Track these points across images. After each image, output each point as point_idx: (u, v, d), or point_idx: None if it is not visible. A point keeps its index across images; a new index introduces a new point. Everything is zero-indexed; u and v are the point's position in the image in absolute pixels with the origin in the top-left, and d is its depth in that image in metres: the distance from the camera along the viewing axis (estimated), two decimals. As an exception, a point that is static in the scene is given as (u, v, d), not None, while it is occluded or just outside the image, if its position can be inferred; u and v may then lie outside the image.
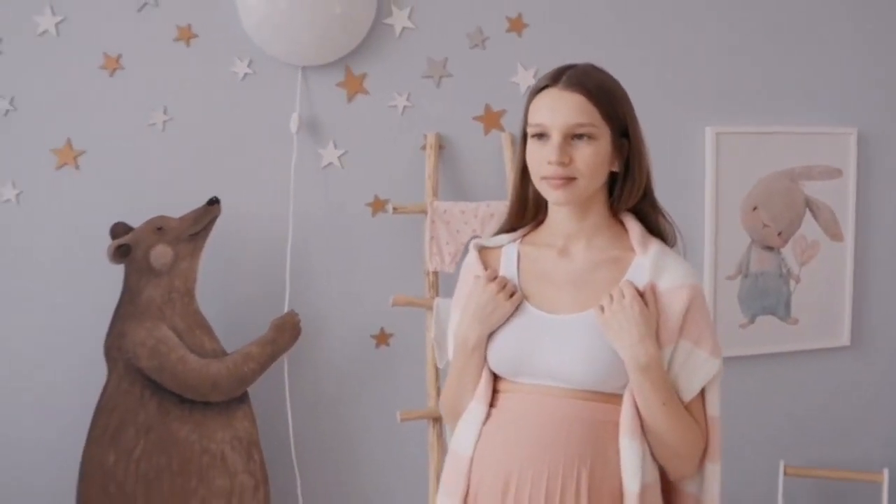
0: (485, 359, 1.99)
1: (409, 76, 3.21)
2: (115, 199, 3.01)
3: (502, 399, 1.98)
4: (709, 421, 1.96)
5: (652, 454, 1.91)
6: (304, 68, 3.11)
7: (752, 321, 3.54)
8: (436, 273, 3.14)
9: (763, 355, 3.57)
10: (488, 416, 1.97)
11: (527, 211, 2.06)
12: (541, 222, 2.07)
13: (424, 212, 3.13)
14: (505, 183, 3.15)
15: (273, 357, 2.97)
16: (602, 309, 1.88)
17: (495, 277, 2.00)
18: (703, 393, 1.94)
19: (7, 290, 3.00)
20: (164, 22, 3.03)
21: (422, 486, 3.24)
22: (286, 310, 3.11)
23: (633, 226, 1.98)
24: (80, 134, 3.01)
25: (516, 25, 3.26)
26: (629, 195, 1.97)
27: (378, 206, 3.21)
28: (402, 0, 3.18)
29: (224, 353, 2.95)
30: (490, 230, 2.11)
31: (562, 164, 1.87)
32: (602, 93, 1.90)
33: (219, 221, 2.95)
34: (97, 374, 2.88)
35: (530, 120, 1.94)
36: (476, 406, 1.98)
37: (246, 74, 3.09)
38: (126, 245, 2.83)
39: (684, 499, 2.00)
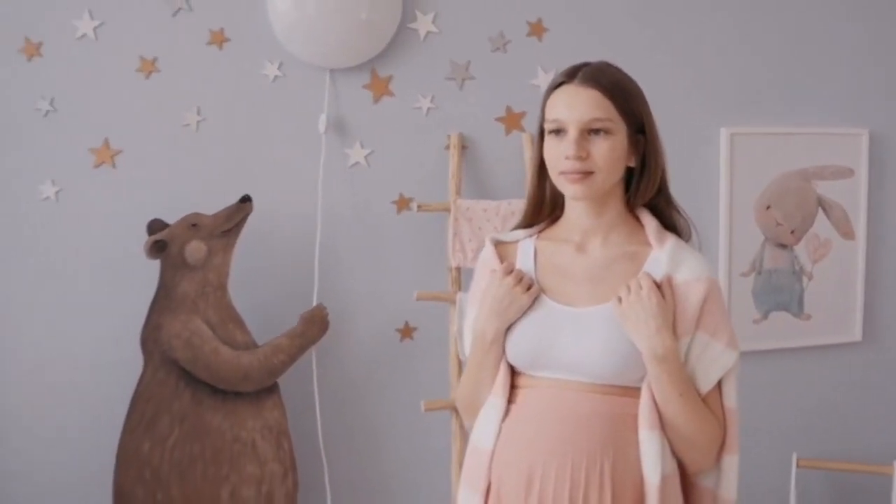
0: (503, 353, 1.98)
1: (433, 78, 3.23)
2: (150, 197, 3.03)
3: (521, 394, 1.97)
4: (726, 412, 1.95)
5: (670, 447, 1.91)
6: (331, 71, 3.13)
7: (765, 317, 3.53)
8: (458, 269, 3.16)
9: (776, 350, 3.56)
10: (507, 411, 1.96)
11: (543, 207, 2.06)
12: (557, 218, 2.06)
13: (448, 209, 3.15)
14: (525, 182, 3.13)
15: (302, 349, 2.99)
16: (619, 300, 1.88)
17: (512, 271, 1.99)
18: (720, 385, 1.94)
19: (47, 284, 3.03)
20: (198, 26, 3.06)
21: (444, 474, 3.25)
22: (315, 304, 3.12)
23: (649, 221, 1.98)
24: (117, 134, 3.04)
25: (536, 30, 3.28)
26: (645, 190, 1.97)
27: (403, 203, 3.22)
28: (426, 5, 3.19)
29: (255, 346, 2.96)
30: (511, 227, 2.14)
31: (579, 158, 1.87)
32: (617, 88, 1.91)
33: (250, 218, 2.97)
34: (134, 364, 2.91)
35: (547, 116, 1.94)
36: (495, 400, 1.97)
37: (276, 77, 3.12)
38: (162, 241, 2.85)
39: (701, 493, 1.99)
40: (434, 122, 3.24)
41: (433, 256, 3.24)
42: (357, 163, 3.20)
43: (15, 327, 3.03)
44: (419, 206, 3.15)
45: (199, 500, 2.86)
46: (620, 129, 1.90)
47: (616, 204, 1.98)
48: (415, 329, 3.29)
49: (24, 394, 3.04)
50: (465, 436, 3.03)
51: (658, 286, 1.89)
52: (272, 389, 2.98)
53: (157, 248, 2.85)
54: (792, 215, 3.52)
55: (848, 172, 3.57)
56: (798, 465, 3.44)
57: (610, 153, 1.88)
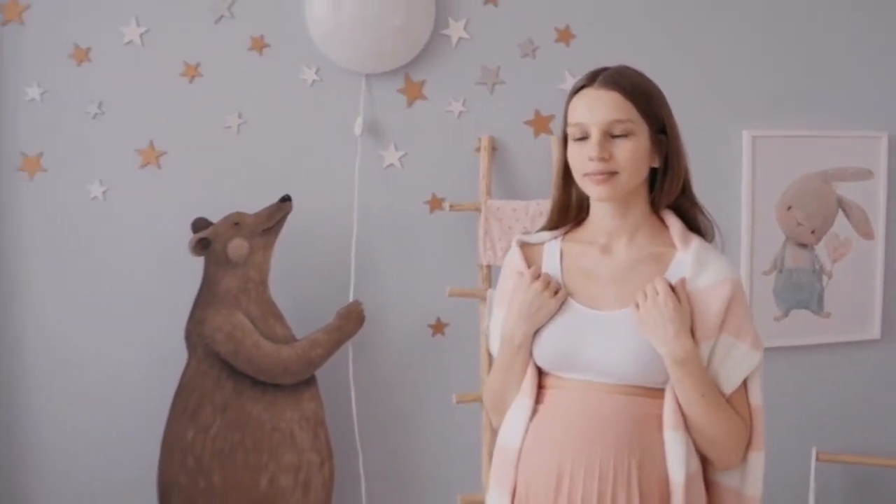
0: (531, 355, 1.98)
1: (464, 83, 3.26)
2: (194, 196, 3.06)
3: (548, 394, 1.96)
4: (752, 410, 1.94)
5: (695, 445, 1.91)
6: (367, 76, 3.17)
7: (786, 315, 3.55)
8: (489, 266, 3.18)
9: (797, 347, 3.57)
10: (535, 411, 1.95)
11: (569, 211, 2.04)
12: (582, 220, 2.05)
13: (479, 209, 3.18)
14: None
15: (339, 343, 3.02)
16: (637, 306, 1.88)
17: (539, 275, 1.98)
18: (745, 384, 1.93)
19: (94, 280, 3.06)
20: (239, 33, 3.10)
21: (475, 464, 3.28)
22: (351, 299, 3.16)
23: (674, 222, 1.97)
24: (162, 136, 3.07)
25: (564, 36, 3.32)
26: (669, 190, 1.96)
27: (435, 203, 3.26)
28: (458, 12, 3.23)
29: (294, 339, 2.98)
30: (539, 227, 2.12)
31: (602, 159, 1.86)
32: (637, 90, 1.90)
33: (290, 217, 3.00)
34: (178, 357, 2.95)
35: (570, 120, 1.94)
36: (522, 401, 1.96)
37: (314, 81, 3.15)
38: (206, 238, 2.88)
39: (723, 492, 1.98)
40: (465, 125, 3.28)
41: (464, 254, 3.27)
42: (391, 164, 3.24)
43: (64, 323, 3.06)
44: (451, 206, 3.18)
45: (239, 486, 2.90)
46: (642, 130, 1.89)
47: (640, 205, 1.97)
48: (446, 325, 3.32)
49: (73, 389, 3.07)
50: (494, 428, 3.09)
51: (674, 290, 1.88)
52: (310, 381, 3.01)
53: (202, 246, 2.88)
54: (812, 216, 3.54)
55: (867, 174, 3.59)
56: (818, 459, 3.46)
57: (632, 153, 1.88)
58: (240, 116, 3.14)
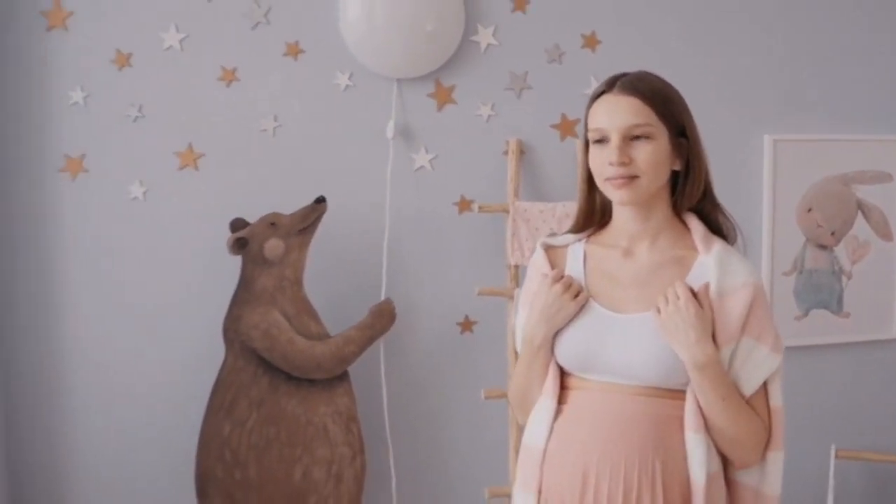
0: (551, 356, 1.99)
1: (493, 88, 3.29)
2: (231, 197, 3.09)
3: (572, 395, 1.97)
4: (772, 411, 1.94)
5: (715, 446, 1.92)
6: (398, 80, 3.21)
7: (806, 314, 3.58)
8: (516, 266, 3.22)
9: (816, 346, 3.60)
10: (559, 411, 1.97)
11: (593, 215, 2.05)
12: (606, 223, 2.05)
13: (506, 211, 3.21)
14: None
15: (371, 340, 3.05)
16: (658, 311, 1.88)
17: (561, 277, 1.99)
18: (765, 385, 1.93)
19: (135, 278, 3.10)
20: (275, 39, 3.13)
21: (502, 459, 3.31)
22: (383, 298, 3.19)
23: (696, 225, 1.97)
24: (200, 138, 3.11)
25: (590, 42, 3.35)
26: (690, 193, 1.96)
27: (464, 205, 3.29)
28: (487, 19, 3.26)
29: (328, 336, 3.01)
30: (566, 228, 2.14)
31: (622, 164, 1.87)
32: (656, 94, 1.90)
33: (324, 218, 3.03)
34: (215, 354, 2.99)
35: (590, 126, 1.94)
36: (546, 401, 1.98)
37: (347, 86, 3.19)
38: (243, 238, 2.91)
39: (742, 490, 1.98)
40: (494, 128, 3.31)
41: (492, 255, 3.30)
42: (422, 167, 3.28)
43: (104, 320, 3.10)
44: (480, 208, 3.21)
45: (273, 479, 2.94)
46: (661, 134, 1.89)
47: (662, 208, 1.97)
48: (475, 323, 3.35)
49: (113, 387, 3.12)
50: (520, 425, 3.12)
51: (695, 295, 1.88)
52: (343, 377, 3.04)
53: (239, 245, 2.91)
54: (832, 218, 3.56)
55: (887, 177, 3.62)
56: (837, 457, 3.48)
57: (652, 157, 1.88)
58: (275, 120, 3.17)
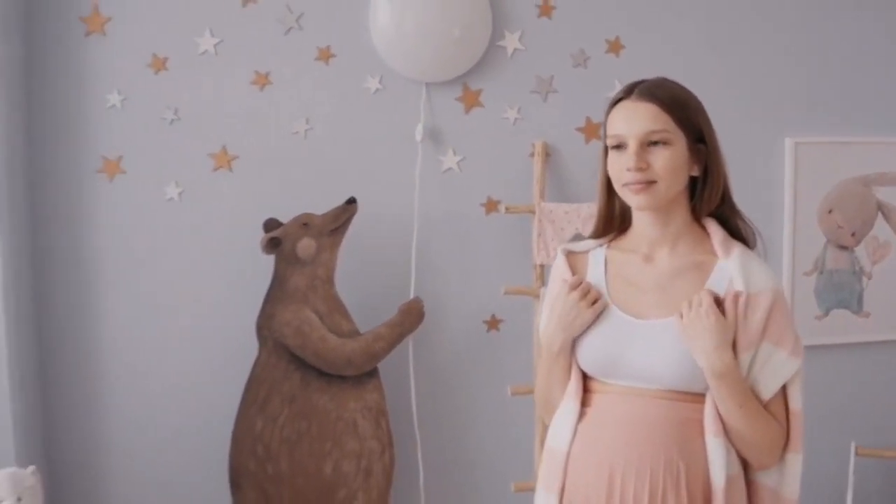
0: (571, 360, 2.00)
1: (519, 92, 3.33)
2: (264, 198, 3.13)
3: (595, 399, 1.98)
4: (791, 415, 1.93)
5: (734, 449, 1.92)
6: (427, 84, 3.25)
7: (826, 314, 3.60)
8: (542, 266, 3.25)
9: (836, 345, 3.62)
10: (582, 414, 1.97)
11: (613, 220, 2.05)
12: (626, 229, 2.05)
13: (532, 212, 3.25)
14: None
15: (400, 337, 3.09)
16: (681, 316, 1.88)
17: (579, 285, 1.98)
18: (784, 388, 1.93)
19: (171, 277, 3.15)
20: (307, 43, 3.18)
21: (527, 455, 3.35)
22: (412, 296, 3.23)
23: (716, 230, 1.97)
24: (234, 141, 3.15)
25: (614, 47, 3.39)
26: (709, 198, 1.95)
27: (491, 206, 3.33)
28: (513, 24, 3.30)
29: (358, 334, 3.05)
30: (590, 229, 2.13)
31: (640, 169, 1.87)
32: (673, 100, 1.90)
33: (355, 218, 3.06)
34: (248, 352, 3.03)
35: (608, 132, 1.94)
36: (569, 404, 1.98)
37: (377, 90, 3.23)
38: (276, 238, 2.95)
39: (762, 491, 1.98)
40: (520, 131, 3.35)
41: (518, 255, 3.33)
42: (450, 168, 3.32)
43: (141, 319, 3.15)
44: (506, 209, 3.25)
45: (304, 472, 2.98)
46: (679, 139, 1.89)
47: (682, 213, 1.97)
48: (501, 321, 3.39)
49: (149, 383, 3.17)
50: (545, 423, 3.13)
51: (720, 303, 1.88)
52: (373, 373, 3.08)
53: (272, 245, 2.95)
54: (853, 219, 3.58)
55: None
56: (857, 454, 3.49)
57: (670, 162, 1.87)
58: (307, 122, 3.21)
